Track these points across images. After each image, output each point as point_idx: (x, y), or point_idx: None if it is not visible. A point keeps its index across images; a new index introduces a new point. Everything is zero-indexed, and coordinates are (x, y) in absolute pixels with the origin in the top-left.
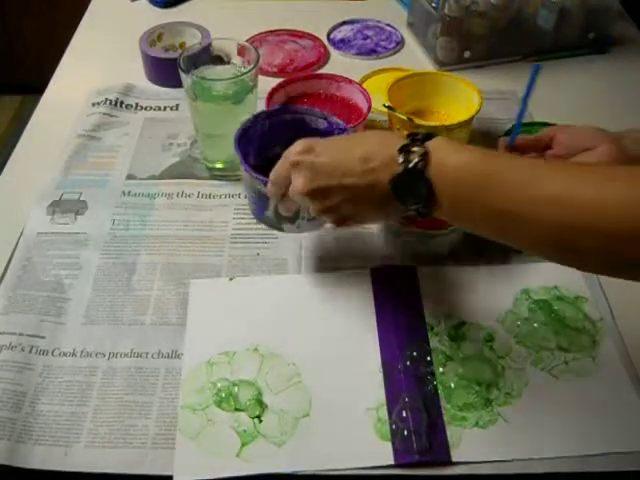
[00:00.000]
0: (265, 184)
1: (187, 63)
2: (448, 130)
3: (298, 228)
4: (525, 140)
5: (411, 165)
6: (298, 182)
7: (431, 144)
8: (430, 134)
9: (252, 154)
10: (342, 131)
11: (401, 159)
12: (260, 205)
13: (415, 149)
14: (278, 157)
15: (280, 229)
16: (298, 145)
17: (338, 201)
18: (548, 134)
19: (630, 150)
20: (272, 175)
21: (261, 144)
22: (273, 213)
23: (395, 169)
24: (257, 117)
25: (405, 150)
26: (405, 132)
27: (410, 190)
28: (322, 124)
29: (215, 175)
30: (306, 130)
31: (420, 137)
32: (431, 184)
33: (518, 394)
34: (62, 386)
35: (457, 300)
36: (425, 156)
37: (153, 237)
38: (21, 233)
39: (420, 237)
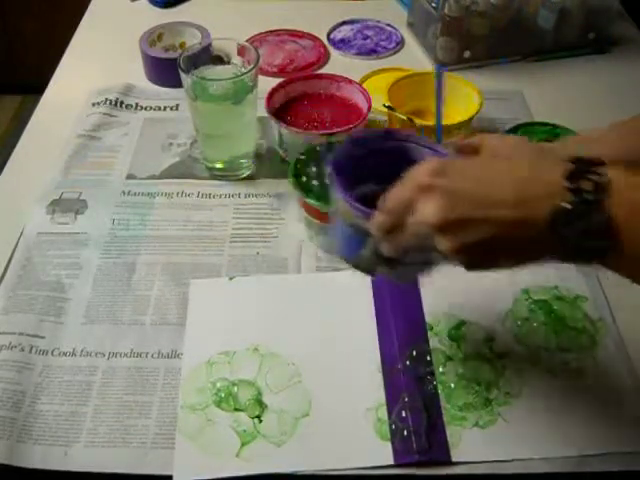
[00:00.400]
0: (368, 217)
1: (187, 63)
2: (448, 130)
3: (397, 274)
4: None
5: (586, 196)
6: (429, 211)
7: (610, 171)
8: (597, 159)
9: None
10: None
11: (570, 187)
12: (355, 242)
13: (591, 177)
14: (375, 195)
15: (371, 273)
16: (428, 165)
17: (479, 238)
18: (476, 140)
19: None
20: (386, 202)
21: (352, 175)
22: (371, 252)
23: (558, 200)
24: (352, 143)
25: (576, 177)
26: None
27: (579, 227)
28: (428, 153)
29: (215, 175)
30: (407, 163)
31: (587, 161)
32: (611, 220)
33: (518, 394)
34: (62, 386)
35: (457, 300)
36: (606, 186)
37: (153, 237)
38: (21, 233)
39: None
